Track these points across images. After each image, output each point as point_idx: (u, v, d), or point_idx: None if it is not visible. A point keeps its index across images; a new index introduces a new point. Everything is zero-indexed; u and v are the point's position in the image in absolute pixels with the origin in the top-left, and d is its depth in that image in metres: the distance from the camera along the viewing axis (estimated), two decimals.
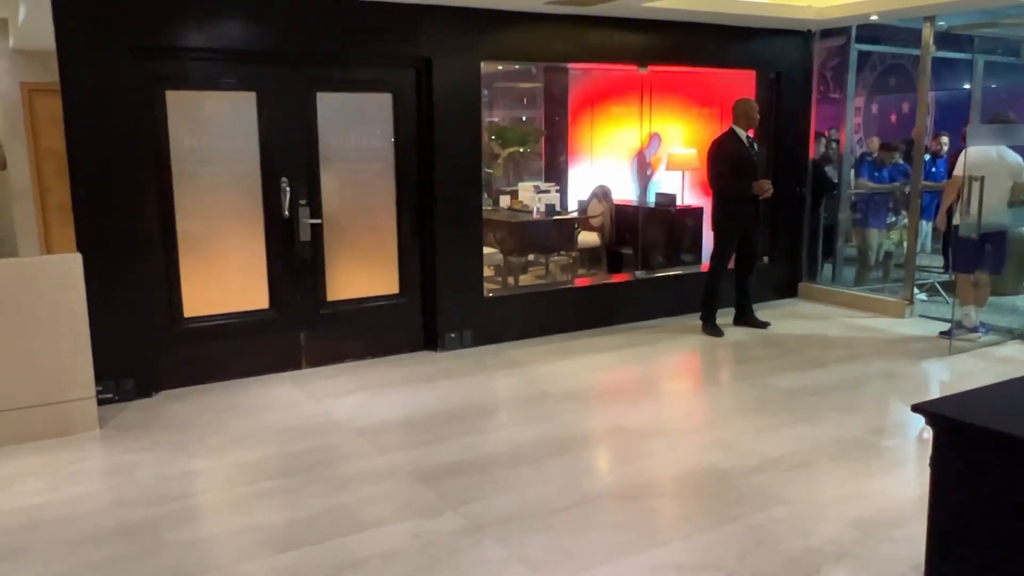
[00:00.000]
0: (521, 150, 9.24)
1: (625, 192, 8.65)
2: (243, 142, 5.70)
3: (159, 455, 4.51)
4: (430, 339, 6.53)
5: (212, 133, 5.60)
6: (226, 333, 5.77)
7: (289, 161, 5.83)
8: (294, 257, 5.93)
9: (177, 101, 5.44)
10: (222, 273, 5.75)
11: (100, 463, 4.46)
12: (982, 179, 6.18)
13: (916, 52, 7.49)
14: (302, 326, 6.03)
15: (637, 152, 8.27)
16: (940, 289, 8.13)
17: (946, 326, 6.82)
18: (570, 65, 8.35)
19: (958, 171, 6.43)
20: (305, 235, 5.91)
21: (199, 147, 5.56)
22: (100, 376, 5.00)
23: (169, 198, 5.48)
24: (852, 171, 8.51)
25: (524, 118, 9.99)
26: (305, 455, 4.50)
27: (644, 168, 8.52)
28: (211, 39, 5.43)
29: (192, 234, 5.60)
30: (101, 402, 5.10)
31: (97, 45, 5.06)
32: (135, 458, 4.47)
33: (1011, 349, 6.46)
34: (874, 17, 7.14)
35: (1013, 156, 6.51)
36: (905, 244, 7.84)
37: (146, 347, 5.42)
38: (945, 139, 8.89)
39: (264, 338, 5.88)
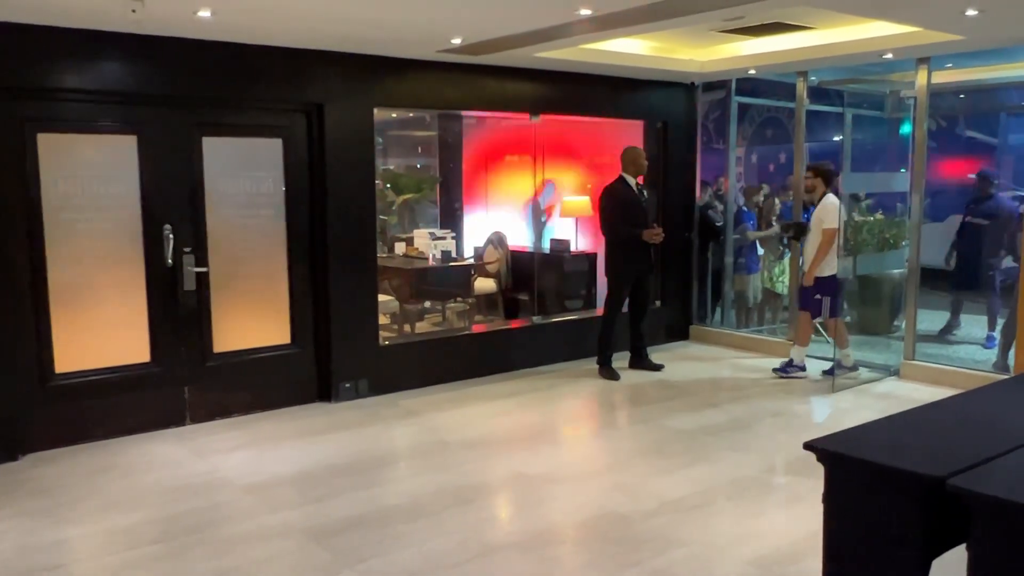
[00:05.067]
0: (416, 197, 9.21)
1: (520, 238, 8.72)
2: (123, 188, 5.44)
3: (24, 524, 4.15)
4: (324, 390, 6.33)
5: (89, 178, 5.33)
6: (103, 389, 5.42)
7: (172, 207, 5.59)
8: (178, 307, 5.66)
9: (50, 144, 5.16)
10: (99, 325, 5.43)
11: None
12: (842, 226, 6.62)
13: (791, 105, 7.92)
14: (186, 380, 5.74)
15: (531, 198, 8.36)
16: (821, 330, 8.49)
17: (828, 365, 7.11)
18: (463, 113, 8.42)
19: (831, 223, 6.60)
20: (189, 284, 5.66)
21: (75, 193, 5.28)
22: None
23: (40, 246, 5.16)
24: (734, 218, 8.84)
25: (419, 165, 9.99)
26: (189, 516, 4.23)
27: (539, 214, 8.62)
28: (87, 80, 5.20)
29: (66, 284, 5.28)
30: None
31: None
32: None
33: (888, 385, 6.77)
34: (752, 71, 7.51)
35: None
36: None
37: (11, 406, 5.04)
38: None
39: (145, 393, 5.56)
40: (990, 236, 7.76)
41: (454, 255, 8.08)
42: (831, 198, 6.74)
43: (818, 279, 6.75)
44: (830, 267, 6.73)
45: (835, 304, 6.83)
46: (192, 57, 5.50)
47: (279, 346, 6.16)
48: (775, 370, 7.09)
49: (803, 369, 7.02)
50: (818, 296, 6.71)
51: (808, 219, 7.04)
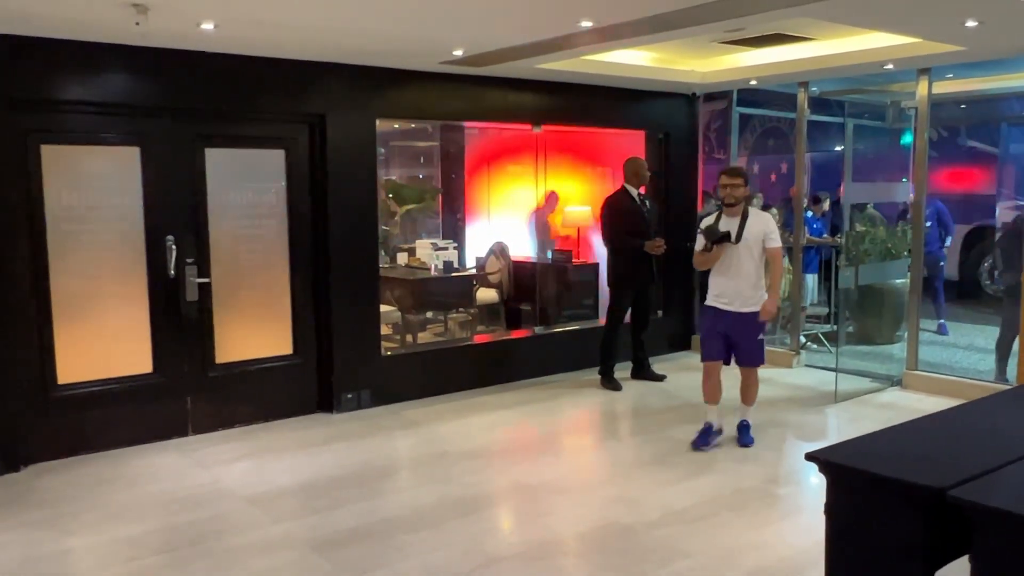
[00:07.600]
0: (418, 207, 9.22)
1: (522, 248, 8.73)
2: (126, 199, 5.46)
3: (27, 535, 4.15)
4: (325, 400, 6.32)
5: (92, 189, 5.35)
6: (105, 400, 5.42)
7: (175, 218, 5.61)
8: (180, 318, 5.67)
9: (53, 156, 5.18)
10: (101, 336, 5.43)
11: None
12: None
13: (792, 115, 7.93)
14: (188, 390, 5.74)
15: (534, 209, 8.37)
16: (823, 339, 8.49)
17: (829, 376, 7.05)
18: (466, 124, 8.44)
19: (777, 240, 5.43)
20: (192, 295, 5.67)
21: (78, 204, 5.29)
22: None
23: (42, 257, 5.17)
24: None
25: (421, 176, 10.01)
26: (191, 527, 4.23)
27: (542, 225, 8.63)
28: (91, 92, 5.22)
29: (68, 295, 5.28)
30: None
31: None
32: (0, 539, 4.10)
33: (891, 396, 6.76)
34: (753, 82, 7.52)
35: None
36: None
37: (13, 417, 5.04)
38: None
39: (147, 404, 5.56)
40: (929, 236, 8.43)
41: (456, 265, 8.08)
42: (758, 211, 5.82)
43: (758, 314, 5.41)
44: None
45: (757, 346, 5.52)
46: (195, 69, 5.53)
47: (281, 357, 6.16)
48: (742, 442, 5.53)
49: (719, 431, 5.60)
50: (761, 337, 5.49)
51: (718, 226, 5.36)
